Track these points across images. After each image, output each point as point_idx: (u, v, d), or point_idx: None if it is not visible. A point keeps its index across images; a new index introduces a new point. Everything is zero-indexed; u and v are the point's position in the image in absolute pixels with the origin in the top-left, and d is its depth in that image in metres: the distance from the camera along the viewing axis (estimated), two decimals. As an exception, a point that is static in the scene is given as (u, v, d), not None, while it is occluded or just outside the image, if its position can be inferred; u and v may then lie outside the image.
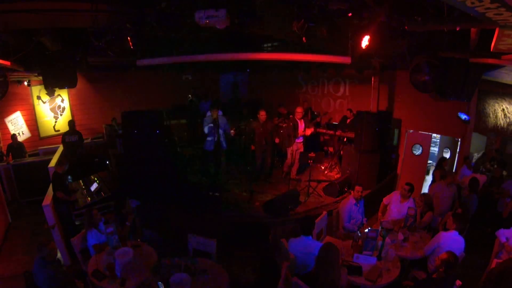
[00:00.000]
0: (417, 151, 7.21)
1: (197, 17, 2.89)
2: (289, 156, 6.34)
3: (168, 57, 5.44)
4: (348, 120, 7.61)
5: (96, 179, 5.45)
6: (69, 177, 5.37)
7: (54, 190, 4.68)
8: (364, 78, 7.57)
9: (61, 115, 8.21)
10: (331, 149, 8.00)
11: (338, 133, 7.31)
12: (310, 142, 7.91)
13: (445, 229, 3.62)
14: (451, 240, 3.44)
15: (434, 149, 7.58)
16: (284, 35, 4.44)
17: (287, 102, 8.88)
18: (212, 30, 3.54)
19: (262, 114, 6.05)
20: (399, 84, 7.20)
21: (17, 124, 7.34)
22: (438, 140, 7.51)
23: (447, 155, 6.80)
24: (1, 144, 6.83)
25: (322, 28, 3.89)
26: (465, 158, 5.92)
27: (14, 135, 6.91)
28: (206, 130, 5.74)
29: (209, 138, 5.78)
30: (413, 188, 4.46)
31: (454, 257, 2.82)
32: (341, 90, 8.58)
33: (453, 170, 6.41)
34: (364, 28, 3.46)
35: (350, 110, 7.62)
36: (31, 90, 7.45)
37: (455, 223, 3.50)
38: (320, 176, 6.85)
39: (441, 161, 5.87)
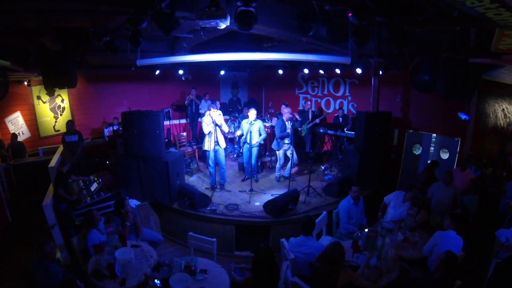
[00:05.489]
0: (417, 151, 7.21)
1: (198, 16, 2.88)
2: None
3: (168, 57, 5.44)
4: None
5: (96, 179, 5.45)
6: (72, 176, 5.39)
7: (55, 187, 4.69)
8: (364, 78, 7.57)
9: (61, 115, 8.21)
10: (330, 148, 8.01)
11: (338, 133, 7.32)
12: (310, 142, 7.95)
13: (443, 229, 3.64)
14: (449, 239, 3.45)
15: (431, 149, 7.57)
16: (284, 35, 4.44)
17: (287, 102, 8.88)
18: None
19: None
20: (399, 84, 7.21)
21: (17, 124, 7.34)
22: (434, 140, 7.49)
23: (445, 155, 6.78)
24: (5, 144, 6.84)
25: (322, 28, 3.90)
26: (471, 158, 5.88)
27: (14, 134, 6.92)
28: (205, 130, 5.74)
29: (208, 138, 5.78)
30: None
31: (454, 257, 2.82)
32: (341, 90, 8.59)
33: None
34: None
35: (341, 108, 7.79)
36: (31, 90, 7.46)
37: (452, 223, 3.52)
38: (320, 176, 6.86)
39: (432, 165, 5.77)
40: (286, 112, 6.34)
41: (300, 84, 9.52)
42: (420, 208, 4.30)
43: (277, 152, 6.45)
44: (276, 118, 7.79)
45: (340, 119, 7.70)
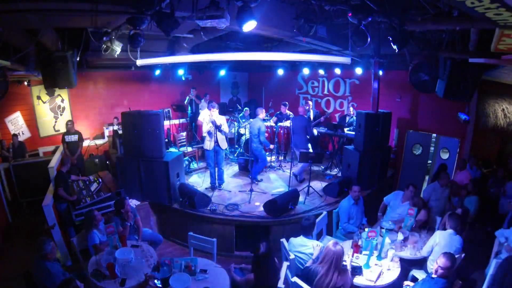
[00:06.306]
0: (417, 151, 7.22)
1: (198, 16, 2.89)
2: None
3: (168, 57, 5.44)
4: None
5: (96, 179, 5.45)
6: (72, 176, 5.40)
7: (56, 187, 4.70)
8: (364, 78, 7.58)
9: (61, 115, 8.21)
10: (331, 149, 8.01)
11: (338, 132, 7.32)
12: (310, 142, 7.93)
13: (443, 229, 3.65)
14: (448, 239, 3.45)
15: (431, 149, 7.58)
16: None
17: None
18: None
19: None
20: (399, 84, 7.22)
21: (17, 124, 7.34)
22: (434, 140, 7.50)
23: (445, 155, 6.79)
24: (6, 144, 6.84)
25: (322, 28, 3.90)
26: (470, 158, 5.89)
27: (14, 135, 6.93)
28: (204, 129, 5.74)
29: (208, 138, 5.78)
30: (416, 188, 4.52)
31: (453, 258, 2.83)
32: (342, 90, 8.58)
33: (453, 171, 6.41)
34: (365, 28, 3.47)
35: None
36: (31, 90, 7.45)
37: (451, 223, 3.53)
38: (320, 176, 6.86)
39: (441, 169, 5.75)
40: (301, 110, 6.35)
41: (300, 84, 9.52)
42: (420, 208, 4.31)
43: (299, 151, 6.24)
44: (276, 118, 7.76)
45: (347, 118, 7.69)
